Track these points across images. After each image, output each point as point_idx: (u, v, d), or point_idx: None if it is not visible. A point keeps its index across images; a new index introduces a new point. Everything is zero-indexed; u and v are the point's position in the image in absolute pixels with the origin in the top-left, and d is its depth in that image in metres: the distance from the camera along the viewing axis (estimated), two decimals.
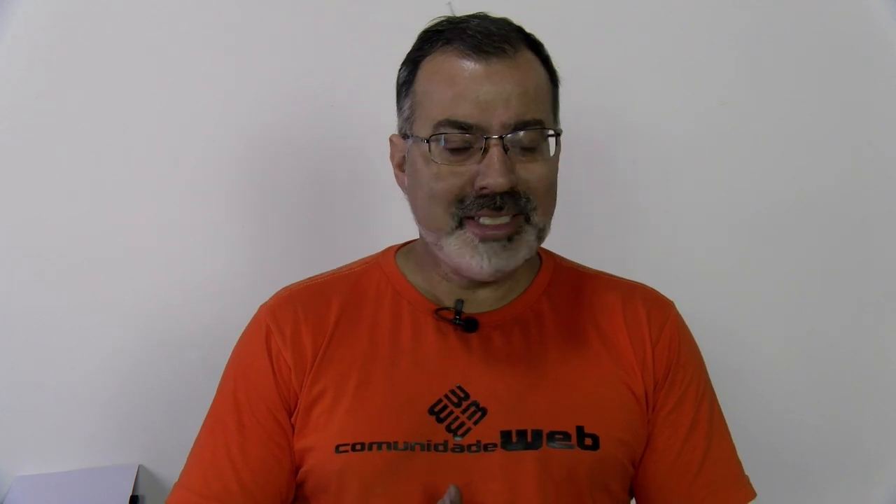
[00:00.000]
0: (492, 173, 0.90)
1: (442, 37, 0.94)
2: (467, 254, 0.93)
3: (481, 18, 0.94)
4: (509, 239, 0.93)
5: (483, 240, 0.92)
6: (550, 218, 0.97)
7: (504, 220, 0.92)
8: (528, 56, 0.94)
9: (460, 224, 0.93)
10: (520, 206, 0.92)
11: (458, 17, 0.96)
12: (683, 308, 1.08)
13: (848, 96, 1.49)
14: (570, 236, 1.13)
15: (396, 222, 1.07)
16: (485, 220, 0.92)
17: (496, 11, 0.98)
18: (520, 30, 0.96)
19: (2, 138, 1.36)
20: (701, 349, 1.08)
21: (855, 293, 1.54)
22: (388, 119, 1.04)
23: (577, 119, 1.08)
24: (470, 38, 0.92)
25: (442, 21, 0.96)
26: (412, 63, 0.97)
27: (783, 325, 1.53)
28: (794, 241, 1.51)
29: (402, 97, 0.99)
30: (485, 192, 0.91)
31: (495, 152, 0.90)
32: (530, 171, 0.92)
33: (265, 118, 1.41)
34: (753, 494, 1.03)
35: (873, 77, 1.49)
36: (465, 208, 0.92)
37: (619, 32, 1.45)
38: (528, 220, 0.93)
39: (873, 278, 1.54)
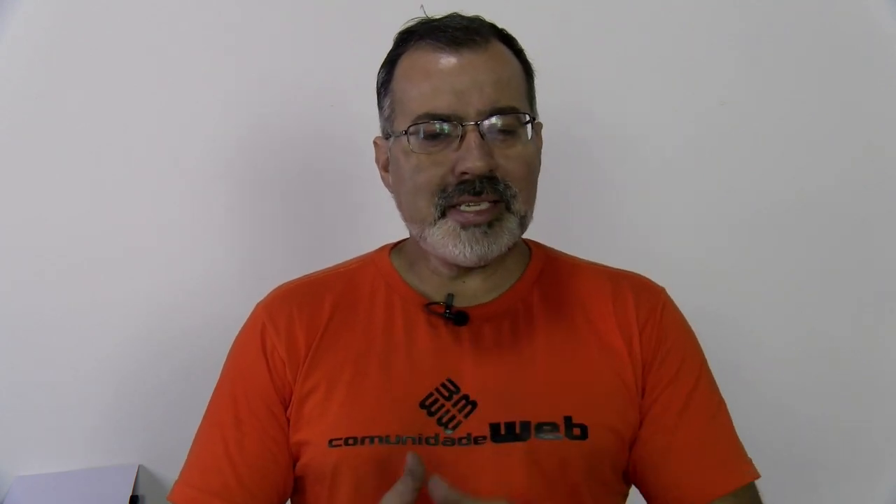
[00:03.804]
0: (470, 157, 0.92)
1: (415, 34, 0.98)
2: (450, 242, 0.95)
3: (453, 16, 0.97)
4: (489, 225, 0.94)
5: (464, 226, 0.94)
6: (532, 206, 0.98)
7: (484, 206, 0.94)
8: (499, 47, 0.97)
9: (443, 214, 0.94)
10: (499, 192, 0.94)
11: (430, 17, 0.99)
12: (684, 307, 1.08)
13: (848, 96, 1.49)
14: (569, 235, 1.13)
15: (396, 221, 1.07)
16: (465, 208, 0.94)
17: (495, 11, 0.99)
18: (492, 25, 0.99)
19: (2, 138, 1.36)
20: (701, 348, 1.07)
21: (855, 293, 1.54)
22: None
23: (577, 119, 1.09)
24: (442, 32, 0.95)
25: (415, 21, 0.99)
26: (389, 63, 1.00)
27: (783, 325, 1.53)
28: (794, 241, 1.51)
29: (381, 98, 1.01)
30: (465, 177, 0.93)
31: (472, 137, 0.92)
32: (508, 157, 0.94)
33: (265, 118, 1.41)
34: (757, 475, 1.00)
35: (873, 77, 1.49)
36: (448, 197, 0.94)
37: (619, 32, 1.45)
38: (508, 207, 0.95)
39: (873, 278, 1.54)
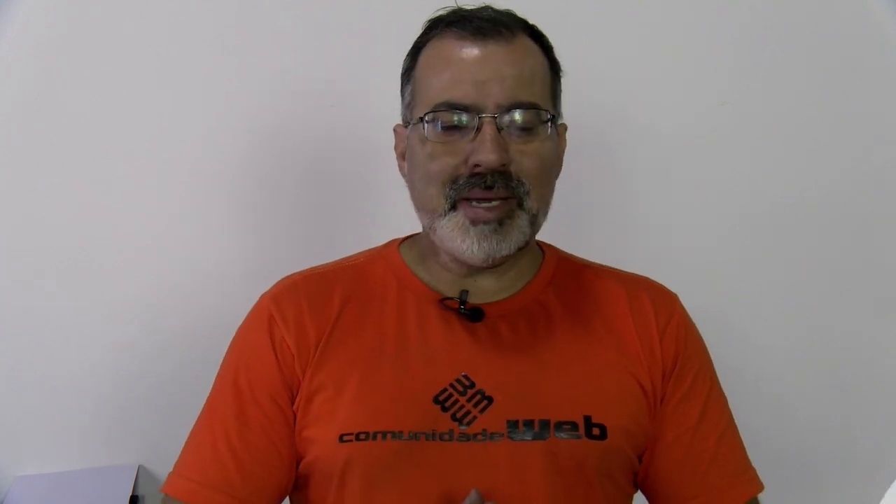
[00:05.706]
0: (483, 150, 0.90)
1: (441, 23, 0.97)
2: (458, 237, 0.93)
3: (483, 8, 0.97)
4: (500, 223, 0.93)
5: (474, 222, 0.93)
6: (546, 205, 0.97)
7: (495, 203, 0.92)
8: (526, 42, 0.96)
9: (454, 206, 0.93)
10: (511, 189, 0.92)
11: (461, 7, 0.98)
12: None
13: (849, 96, 1.49)
14: (570, 235, 1.13)
15: (397, 219, 1.07)
16: (476, 204, 0.93)
17: (497, 5, 0.99)
18: (523, 20, 0.98)
19: (2, 138, 1.36)
20: (709, 352, 1.07)
21: (855, 293, 1.54)
22: (388, 117, 1.04)
23: (577, 118, 1.09)
24: (468, 22, 0.94)
25: (446, 10, 0.98)
26: (415, 50, 0.99)
27: (783, 325, 1.53)
28: (794, 241, 1.51)
29: (404, 85, 1.00)
30: (477, 170, 0.91)
31: (488, 130, 0.91)
32: (524, 154, 0.93)
33: (266, 117, 1.41)
34: (762, 487, 1.02)
35: (874, 77, 1.49)
36: (459, 189, 0.93)
37: (619, 32, 1.45)
38: (520, 204, 0.94)
39: (873, 278, 1.54)
